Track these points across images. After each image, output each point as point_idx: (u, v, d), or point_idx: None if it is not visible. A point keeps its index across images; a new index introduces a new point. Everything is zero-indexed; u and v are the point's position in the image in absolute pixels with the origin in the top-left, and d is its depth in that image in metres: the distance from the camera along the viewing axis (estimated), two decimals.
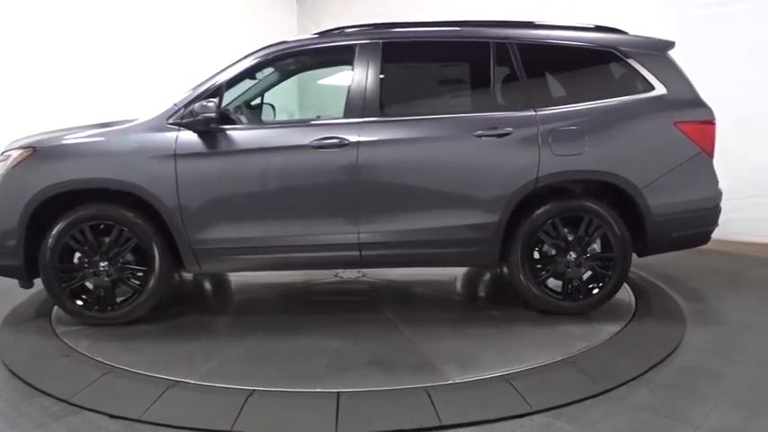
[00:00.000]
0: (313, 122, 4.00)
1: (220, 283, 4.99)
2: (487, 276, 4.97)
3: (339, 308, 4.32)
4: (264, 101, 4.66)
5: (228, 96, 4.09)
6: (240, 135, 3.80)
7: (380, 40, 3.88)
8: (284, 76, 4.58)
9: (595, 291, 3.92)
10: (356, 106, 3.80)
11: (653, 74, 3.92)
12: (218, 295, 4.88)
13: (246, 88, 4.51)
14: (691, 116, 3.87)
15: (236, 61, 3.91)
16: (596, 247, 3.95)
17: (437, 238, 3.80)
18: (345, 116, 3.82)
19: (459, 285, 4.90)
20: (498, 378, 3.02)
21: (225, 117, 3.87)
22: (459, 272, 5.02)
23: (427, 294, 4.68)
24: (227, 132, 3.76)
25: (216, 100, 3.70)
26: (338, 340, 3.55)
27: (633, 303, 4.21)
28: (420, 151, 3.77)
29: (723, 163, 3.98)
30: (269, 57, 3.94)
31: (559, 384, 2.99)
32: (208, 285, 5.00)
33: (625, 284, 4.28)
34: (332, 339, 3.57)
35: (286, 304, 4.47)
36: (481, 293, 4.83)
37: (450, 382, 2.97)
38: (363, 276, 4.89)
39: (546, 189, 3.86)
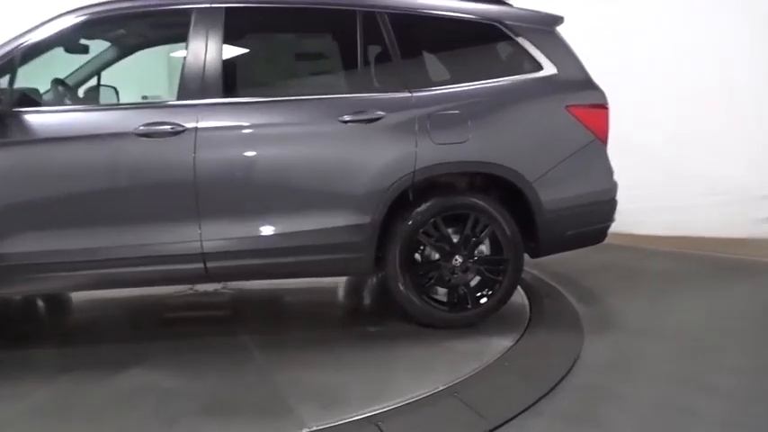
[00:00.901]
0: (139, 104, 3.24)
1: (56, 299, 4.11)
2: (373, 282, 4.40)
3: (189, 329, 3.59)
4: (112, 83, 3.86)
5: (38, 74, 3.27)
6: (42, 120, 2.99)
7: (223, 5, 3.17)
8: (121, 51, 3.79)
9: (485, 299, 3.43)
10: (193, 85, 3.08)
11: (542, 51, 3.46)
12: (46, 316, 4.01)
13: (78, 67, 3.71)
14: (583, 99, 3.45)
15: (30, 29, 3.07)
16: (484, 249, 3.46)
17: (298, 245, 3.16)
18: (180, 97, 3.10)
19: (339, 294, 4.31)
20: (364, 421, 2.42)
21: (26, 99, 3.04)
22: (341, 279, 4.42)
23: (297, 307, 4.04)
24: (23, 116, 2.94)
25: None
26: (173, 377, 2.83)
27: (527, 309, 3.77)
28: (273, 140, 3.12)
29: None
30: (73, 25, 3.12)
31: (438, 423, 2.45)
32: (40, 302, 4.11)
33: (518, 287, 3.85)
34: (166, 376, 2.84)
35: (128, 327, 3.69)
36: (361, 304, 4.25)
37: (304, 431, 2.35)
38: (224, 288, 4.18)
39: (426, 184, 3.32)
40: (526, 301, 3.91)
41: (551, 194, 3.37)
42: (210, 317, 3.83)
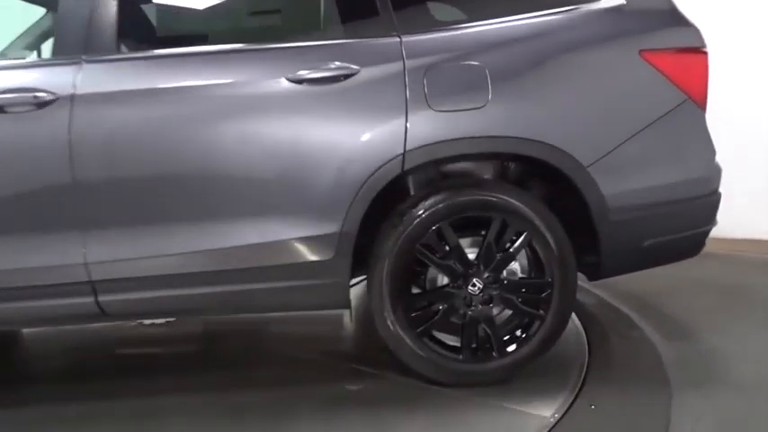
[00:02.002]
0: None
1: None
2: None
3: (114, 385, 2.63)
4: None
5: None
6: None
7: None
8: None
9: (517, 343, 2.32)
10: (71, 35, 2.11)
11: None
12: None
13: None
14: (667, 40, 2.27)
15: None
16: (517, 268, 2.35)
17: (234, 268, 2.14)
18: (54, 54, 2.13)
19: (326, 324, 3.27)
20: None
21: None
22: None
23: (269, 345, 3.02)
24: None
25: None
26: None
27: (584, 351, 2.63)
28: (189, 112, 2.10)
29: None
30: None
31: None
32: None
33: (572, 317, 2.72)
34: None
35: (50, 380, 2.77)
36: (352, 341, 3.18)
37: None
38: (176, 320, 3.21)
39: (423, 173, 2.25)
40: (583, 338, 2.76)
41: (618, 185, 2.23)
42: (151, 363, 2.86)
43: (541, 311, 2.28)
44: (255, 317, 3.21)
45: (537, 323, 2.29)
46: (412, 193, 2.35)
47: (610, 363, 2.54)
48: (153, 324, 3.13)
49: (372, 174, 2.11)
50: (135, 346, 3.04)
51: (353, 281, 2.38)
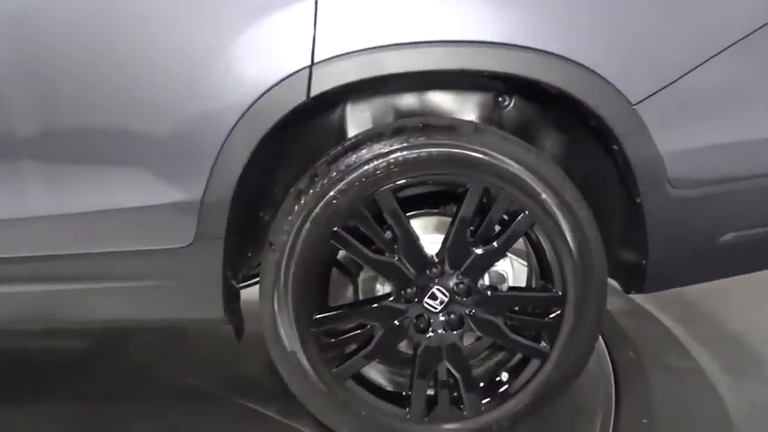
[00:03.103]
0: None
1: None
2: None
3: None
4: None
5: None
6: None
7: None
8: None
9: (501, 389, 1.43)
10: None
11: None
12: None
13: None
14: None
15: None
16: (506, 272, 1.44)
17: (25, 255, 1.28)
18: None
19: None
20: None
21: None
22: None
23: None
24: None
25: None
26: None
27: (610, 395, 1.73)
28: None
29: None
30: None
31: None
32: None
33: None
34: None
35: None
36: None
37: None
38: None
39: (355, 107, 1.35)
40: (609, 371, 1.86)
41: (685, 139, 1.31)
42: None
43: (544, 344, 1.39)
44: None
45: (535, 362, 1.40)
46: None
47: (651, 416, 1.64)
48: None
49: (252, 104, 1.20)
50: None
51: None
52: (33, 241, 1.28)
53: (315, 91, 1.22)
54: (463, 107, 1.45)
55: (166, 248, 1.28)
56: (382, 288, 1.42)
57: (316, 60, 1.20)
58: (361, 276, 1.45)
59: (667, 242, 1.37)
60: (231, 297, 1.39)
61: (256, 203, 1.44)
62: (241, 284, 1.51)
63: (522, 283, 1.52)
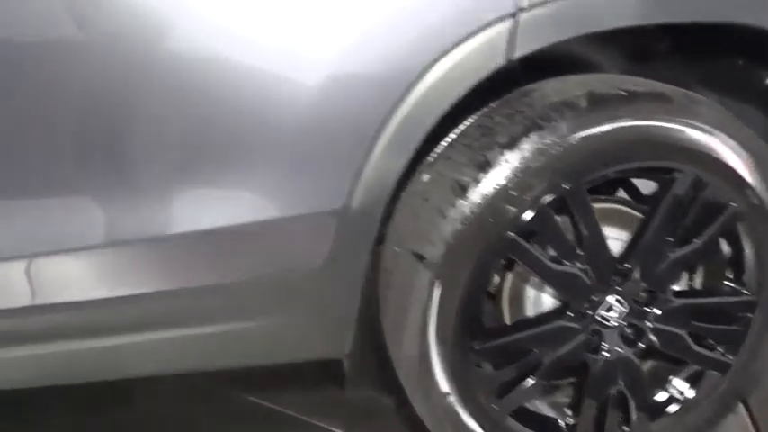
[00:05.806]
0: None
1: None
2: None
3: None
4: None
5: None
6: None
7: None
8: None
9: (673, 406, 1.20)
10: None
11: None
12: None
13: None
14: None
15: None
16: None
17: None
18: None
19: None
20: None
21: None
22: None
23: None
24: None
25: None
26: None
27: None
28: None
29: None
30: None
31: None
32: None
33: None
34: None
35: None
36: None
37: None
38: None
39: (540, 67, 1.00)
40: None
41: None
42: None
43: (726, 353, 1.17)
44: None
45: (708, 375, 1.18)
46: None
47: None
48: None
49: (422, 74, 0.83)
50: None
51: None
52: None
53: (520, 51, 0.85)
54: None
55: (292, 271, 0.89)
56: (533, 306, 1.12)
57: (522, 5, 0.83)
58: (507, 293, 1.13)
59: None
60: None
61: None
62: None
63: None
